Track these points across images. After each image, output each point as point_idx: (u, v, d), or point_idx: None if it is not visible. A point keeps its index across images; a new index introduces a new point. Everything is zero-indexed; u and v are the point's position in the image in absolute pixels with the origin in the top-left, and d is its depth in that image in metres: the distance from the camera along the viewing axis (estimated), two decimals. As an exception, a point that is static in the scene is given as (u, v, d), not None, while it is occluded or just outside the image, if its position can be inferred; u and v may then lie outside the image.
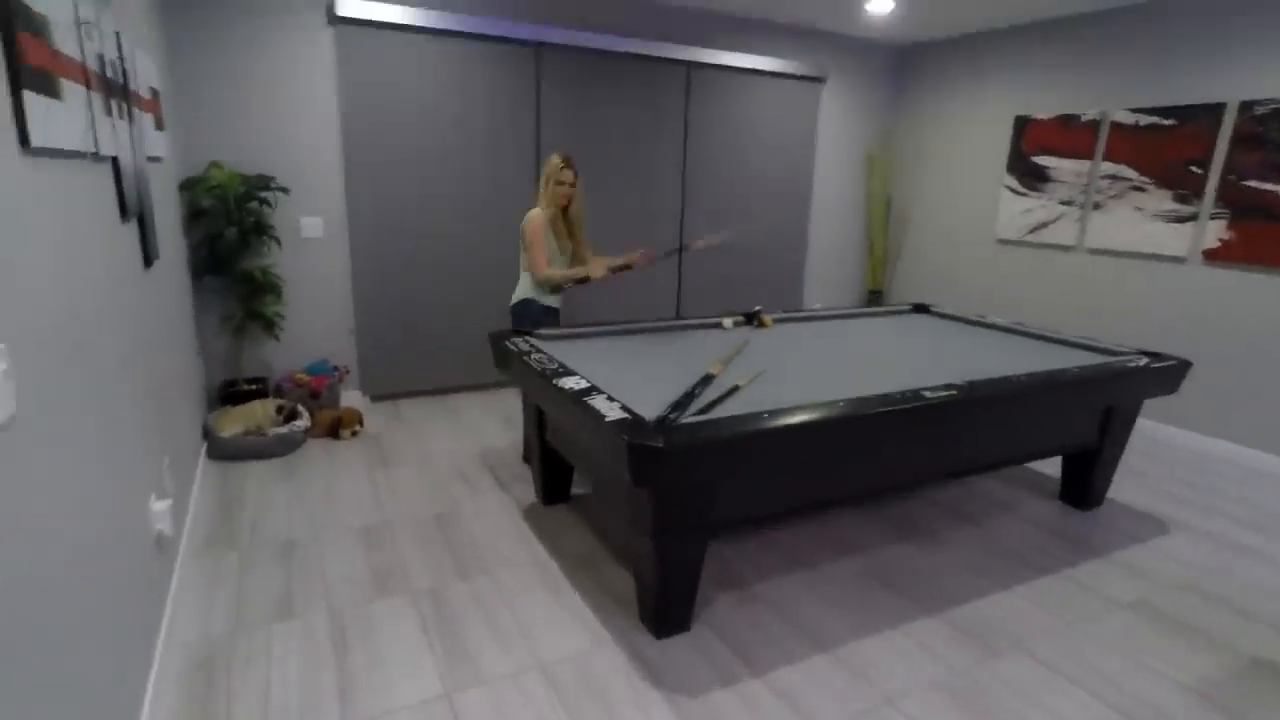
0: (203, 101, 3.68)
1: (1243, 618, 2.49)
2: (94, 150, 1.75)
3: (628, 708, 1.97)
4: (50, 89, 1.40)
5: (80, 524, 1.41)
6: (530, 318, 3.27)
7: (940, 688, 2.09)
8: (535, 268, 3.18)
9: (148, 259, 2.41)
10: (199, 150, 3.71)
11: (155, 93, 2.87)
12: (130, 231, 2.23)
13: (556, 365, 2.58)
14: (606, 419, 2.03)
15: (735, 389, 2.44)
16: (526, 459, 3.61)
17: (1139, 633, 2.39)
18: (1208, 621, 2.46)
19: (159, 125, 2.89)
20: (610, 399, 2.20)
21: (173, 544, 2.43)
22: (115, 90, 2.05)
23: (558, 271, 3.22)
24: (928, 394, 2.39)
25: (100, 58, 1.89)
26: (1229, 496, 3.50)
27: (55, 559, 1.26)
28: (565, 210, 3.25)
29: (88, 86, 1.70)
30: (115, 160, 2.03)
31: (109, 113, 1.95)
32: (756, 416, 2.10)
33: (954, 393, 2.43)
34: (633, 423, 2.01)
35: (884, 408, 2.25)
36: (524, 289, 3.30)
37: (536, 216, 3.16)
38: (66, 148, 1.50)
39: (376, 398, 4.44)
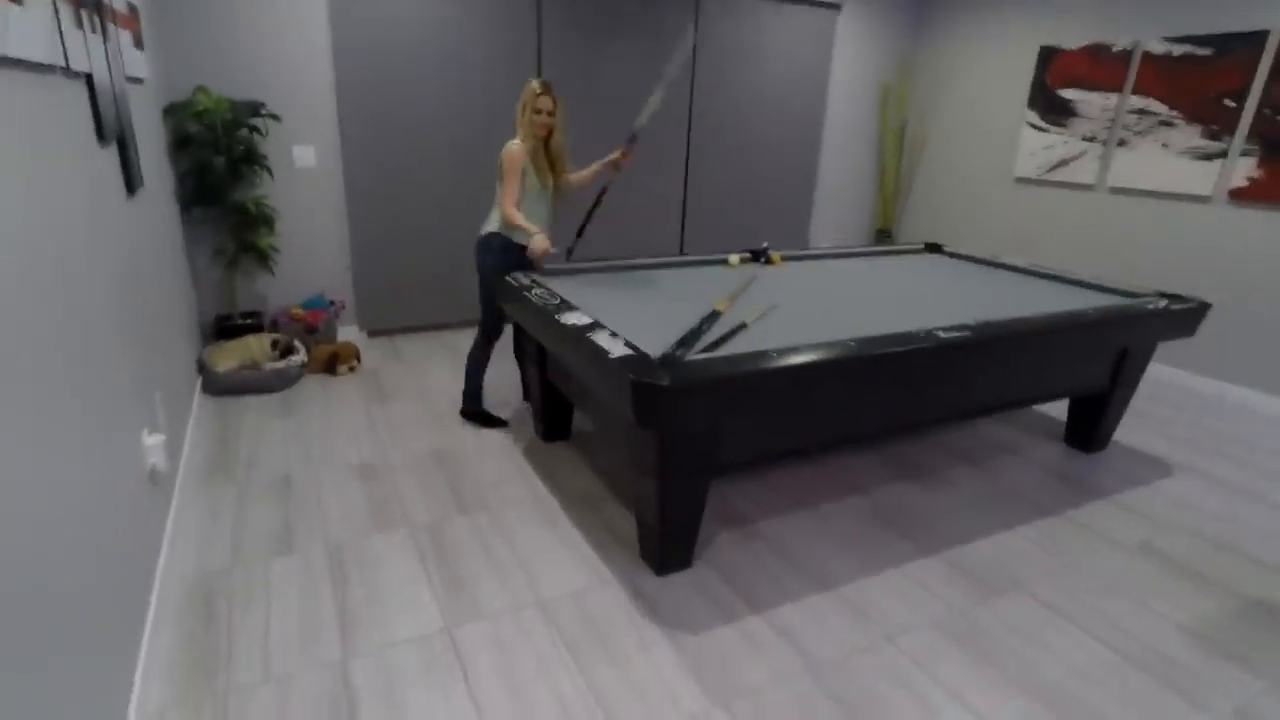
0: (186, 22, 3.49)
1: (1247, 562, 2.48)
2: (63, 64, 1.63)
3: (628, 643, 1.98)
4: (3, -11, 1.28)
5: (68, 460, 1.37)
6: (492, 253, 2.98)
7: (940, 626, 2.09)
8: (501, 201, 2.89)
9: (130, 185, 2.31)
10: (183, 74, 3.54)
11: (133, 8, 2.70)
12: (110, 156, 2.12)
13: (558, 300, 2.50)
14: (611, 355, 1.97)
15: (743, 326, 2.36)
16: (527, 397, 3.57)
17: (1140, 575, 2.38)
18: (1210, 565, 2.45)
19: (138, 44, 2.73)
20: (614, 335, 2.13)
21: (168, 479, 2.41)
22: (85, 2, 1.91)
23: (515, 218, 2.86)
24: (940, 334, 2.32)
25: (64, -39, 1.74)
26: (1241, 442, 3.46)
27: (44, 496, 1.22)
28: (546, 142, 2.94)
29: (50, -9, 1.57)
30: (89, 78, 1.90)
31: (79, 24, 1.81)
32: (764, 355, 2.03)
33: (967, 333, 2.35)
34: (637, 360, 1.94)
35: (895, 347, 2.19)
36: (493, 221, 3.01)
37: (516, 149, 2.84)
38: (29, 58, 1.38)
39: (374, 333, 4.38)
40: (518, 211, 2.86)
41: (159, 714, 1.68)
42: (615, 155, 3.08)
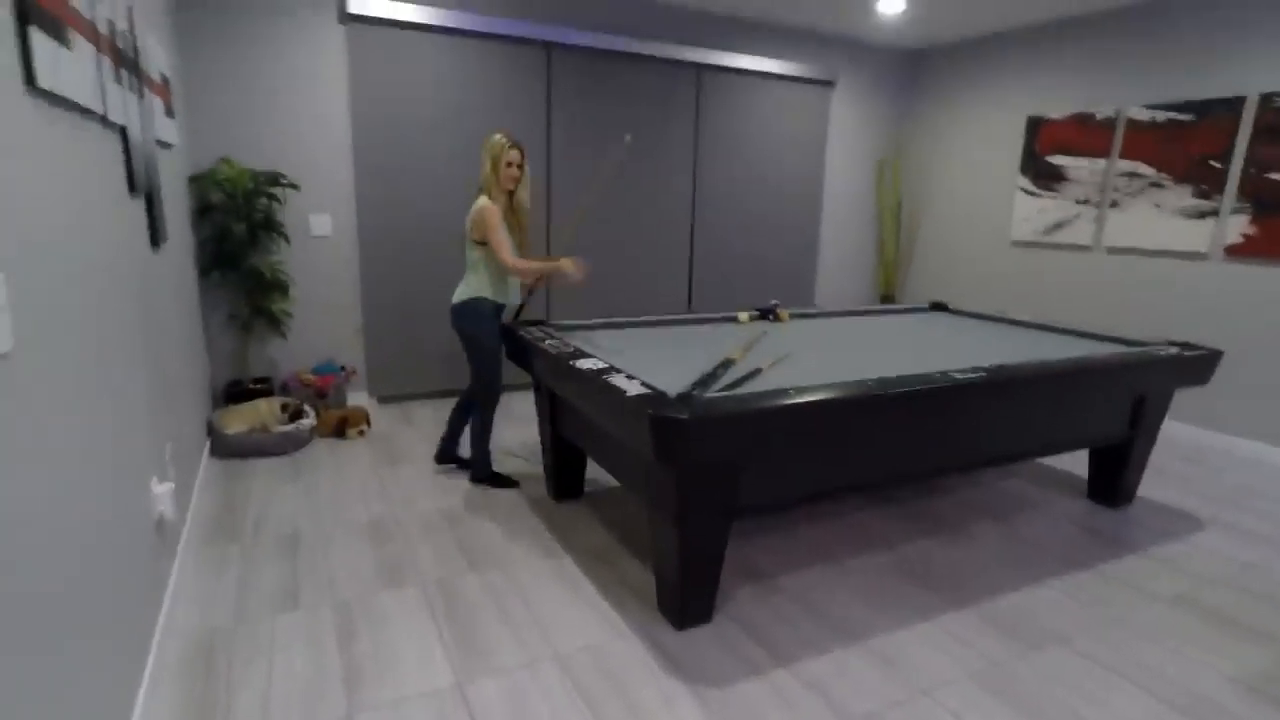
0: (213, 98, 3.67)
1: (1289, 611, 2.38)
2: (103, 113, 1.71)
3: (649, 697, 1.87)
4: (58, 34, 1.35)
5: (78, 500, 1.33)
6: (486, 318, 2.90)
7: (978, 679, 1.98)
8: (503, 258, 2.79)
9: (155, 239, 2.36)
10: (208, 146, 3.69)
11: (165, 80, 2.85)
12: (138, 208, 2.18)
13: (572, 349, 2.51)
14: (628, 394, 1.96)
15: (758, 371, 2.36)
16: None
17: (1181, 626, 2.28)
18: (1252, 615, 2.35)
19: (169, 113, 2.86)
20: (630, 377, 2.13)
21: (174, 531, 2.35)
22: (125, 61, 2.02)
23: (534, 260, 2.81)
24: (956, 375, 2.31)
25: (110, 24, 1.85)
26: (1261, 495, 3.38)
27: (50, 539, 1.18)
28: (511, 196, 2.90)
29: (96, 47, 1.66)
30: (124, 130, 1.99)
31: (118, 81, 1.91)
32: (782, 392, 2.02)
33: (982, 374, 2.35)
34: (655, 397, 1.93)
35: (912, 387, 2.17)
36: (475, 286, 2.90)
37: (489, 205, 2.79)
38: (74, 99, 1.45)
39: (384, 399, 4.37)
40: (518, 259, 2.84)
41: (152, 776, 1.57)
42: (565, 266, 2.86)
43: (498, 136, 2.85)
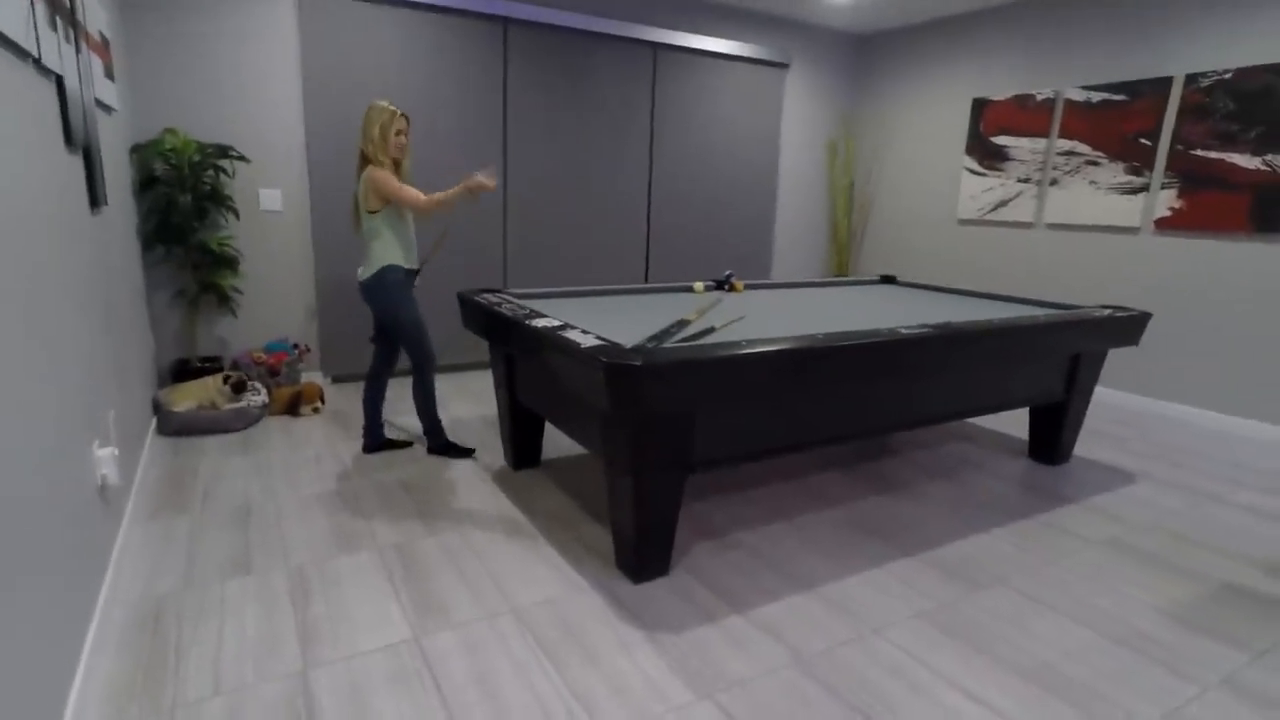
0: (158, 64, 3.56)
1: (1211, 552, 2.52)
2: (36, 55, 1.65)
3: (607, 644, 1.90)
4: (-15, -41, 1.31)
5: (13, 458, 1.29)
6: (398, 286, 2.89)
7: (925, 618, 2.06)
8: (417, 202, 2.75)
9: (95, 201, 2.29)
10: (152, 115, 3.58)
11: (105, 40, 2.75)
12: (76, 165, 2.12)
13: (528, 310, 2.52)
14: (582, 346, 1.97)
15: (711, 329, 2.40)
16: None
17: (1114, 566, 2.40)
18: (1178, 556, 2.49)
19: (109, 74, 2.77)
20: (585, 332, 2.15)
21: (119, 500, 2.28)
22: (61, 9, 1.95)
23: (444, 192, 2.75)
24: (904, 331, 2.39)
25: (43, -34, 1.79)
26: (1192, 453, 3.57)
27: None
28: (398, 166, 2.87)
29: (28, -15, 1.61)
30: (60, 80, 1.92)
31: (53, 26, 1.85)
32: (735, 344, 2.07)
33: (929, 330, 2.43)
34: (609, 348, 1.95)
35: (862, 341, 2.24)
36: (381, 255, 2.86)
37: (380, 170, 2.77)
38: (4, 32, 1.40)
39: (339, 378, 4.30)
40: (429, 196, 2.80)
41: (97, 732, 1.54)
42: (474, 182, 2.74)
43: (384, 104, 2.80)
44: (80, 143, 2.09)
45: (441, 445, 3.17)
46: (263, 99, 3.82)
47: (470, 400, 4.08)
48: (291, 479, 2.90)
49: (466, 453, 3.17)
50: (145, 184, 3.49)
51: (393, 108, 2.81)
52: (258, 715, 1.60)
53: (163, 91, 3.59)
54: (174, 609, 1.99)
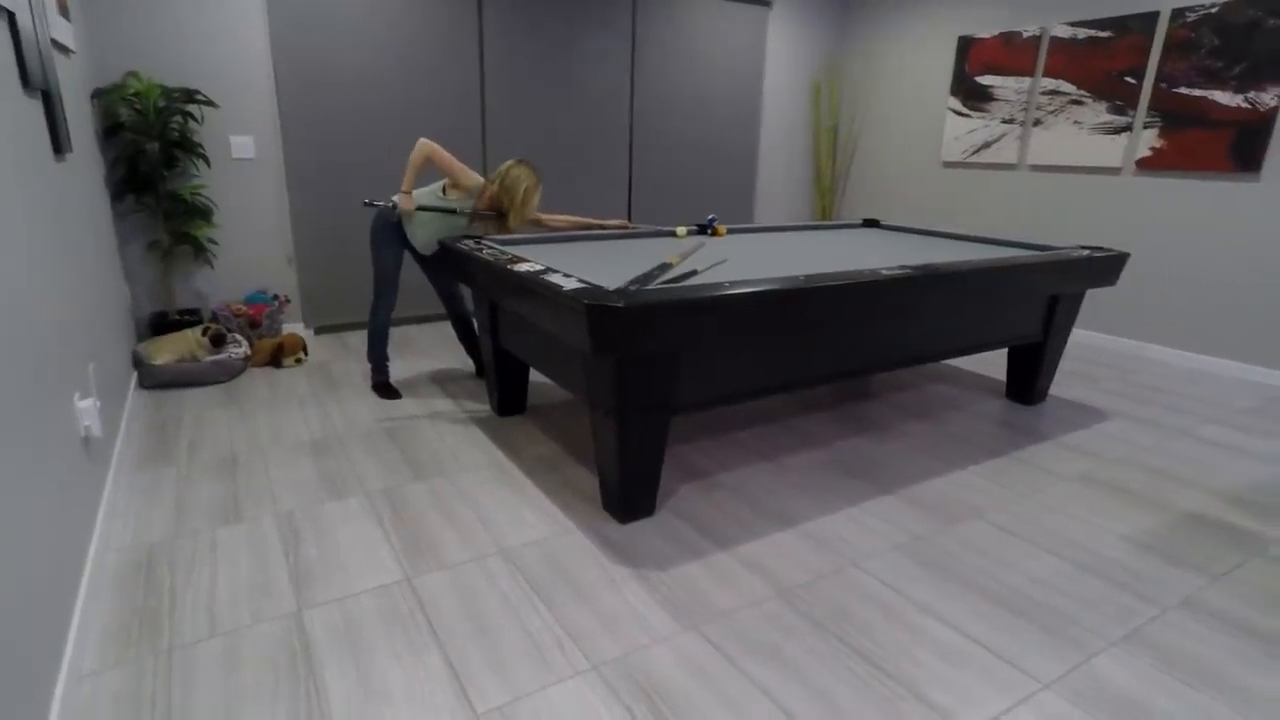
0: (116, 4, 3.39)
1: (1178, 483, 2.61)
2: (-18, -10, 1.58)
3: (595, 580, 1.95)
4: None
5: None
6: (383, 230, 3.14)
7: (903, 550, 2.13)
8: (462, 177, 3.05)
9: (58, 146, 2.22)
10: (113, 58, 3.43)
11: (55, -24, 2.62)
12: (35, 109, 2.04)
13: (509, 255, 2.50)
14: (564, 289, 1.97)
15: (694, 272, 2.40)
16: (482, 374, 3.55)
17: (1084, 498, 2.48)
18: (1146, 488, 2.57)
19: (63, 12, 2.65)
20: (567, 276, 2.14)
21: (103, 453, 2.28)
22: (5, -60, 1.85)
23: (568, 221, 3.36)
24: (885, 271, 2.40)
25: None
26: (1165, 392, 3.65)
27: None
28: (504, 217, 3.10)
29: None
30: (12, 17, 1.84)
31: (-1, -41, 1.75)
32: (718, 285, 2.07)
33: (910, 270, 2.44)
34: (591, 290, 1.95)
35: (844, 281, 2.25)
36: (417, 217, 3.12)
37: (478, 188, 3.08)
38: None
39: (320, 330, 4.27)
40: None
41: (95, 677, 1.57)
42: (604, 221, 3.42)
43: (535, 179, 3.06)
44: (38, 84, 2.01)
45: (386, 383, 3.34)
46: (229, 41, 3.67)
47: (455, 351, 4.07)
48: (276, 429, 2.91)
49: (394, 395, 3.29)
50: (110, 131, 3.38)
51: (536, 181, 3.06)
52: (255, 655, 1.64)
53: (123, 32, 3.43)
54: (166, 556, 2.02)
